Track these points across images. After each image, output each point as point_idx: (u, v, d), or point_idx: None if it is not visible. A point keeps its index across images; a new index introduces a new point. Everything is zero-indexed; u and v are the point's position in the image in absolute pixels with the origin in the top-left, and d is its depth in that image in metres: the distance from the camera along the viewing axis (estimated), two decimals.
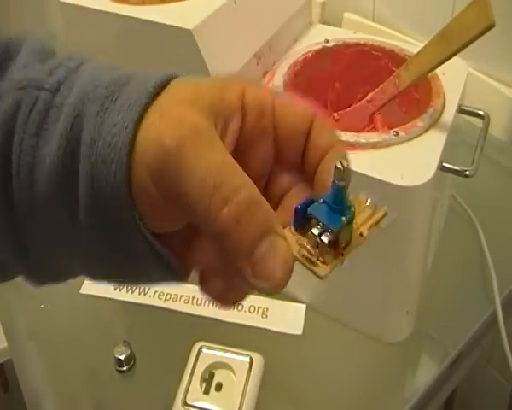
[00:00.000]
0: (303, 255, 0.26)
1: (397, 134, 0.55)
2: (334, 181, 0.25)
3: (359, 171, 0.53)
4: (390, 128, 0.58)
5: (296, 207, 0.26)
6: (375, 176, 0.52)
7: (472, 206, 0.76)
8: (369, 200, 0.28)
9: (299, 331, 0.65)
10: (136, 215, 0.25)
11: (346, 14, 1.03)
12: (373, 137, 0.55)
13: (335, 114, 0.68)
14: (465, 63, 0.64)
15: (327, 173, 0.27)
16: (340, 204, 0.26)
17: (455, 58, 0.55)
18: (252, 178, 0.25)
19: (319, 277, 0.27)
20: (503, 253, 0.72)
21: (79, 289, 0.70)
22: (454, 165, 0.55)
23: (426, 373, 0.63)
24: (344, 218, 0.26)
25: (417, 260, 0.59)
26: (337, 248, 0.26)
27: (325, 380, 0.62)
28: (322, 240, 0.26)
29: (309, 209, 0.26)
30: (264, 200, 0.25)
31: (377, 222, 0.27)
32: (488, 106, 0.64)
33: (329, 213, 0.26)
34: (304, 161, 0.29)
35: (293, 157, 0.29)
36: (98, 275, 0.30)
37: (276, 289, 0.25)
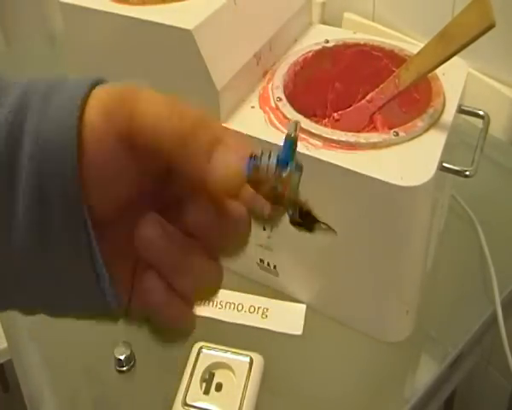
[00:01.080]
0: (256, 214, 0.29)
1: (397, 134, 0.55)
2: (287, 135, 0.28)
3: (359, 171, 0.53)
4: (390, 128, 0.58)
5: (248, 160, 0.28)
6: (375, 176, 0.52)
7: (472, 206, 0.76)
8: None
9: (299, 331, 0.65)
10: (79, 187, 0.25)
11: (346, 14, 1.03)
12: (373, 137, 0.55)
13: (335, 114, 0.68)
14: (465, 63, 0.64)
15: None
16: (289, 157, 0.28)
17: (455, 58, 0.55)
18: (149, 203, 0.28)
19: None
20: (503, 253, 0.72)
21: None
22: (454, 165, 0.55)
23: (426, 373, 0.63)
24: (291, 166, 0.28)
25: (417, 260, 0.59)
26: (282, 198, 0.29)
27: (325, 380, 0.62)
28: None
29: (256, 162, 0.28)
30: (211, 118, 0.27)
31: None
32: (488, 106, 0.64)
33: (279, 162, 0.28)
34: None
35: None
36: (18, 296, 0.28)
37: (229, 186, 0.26)
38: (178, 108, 0.26)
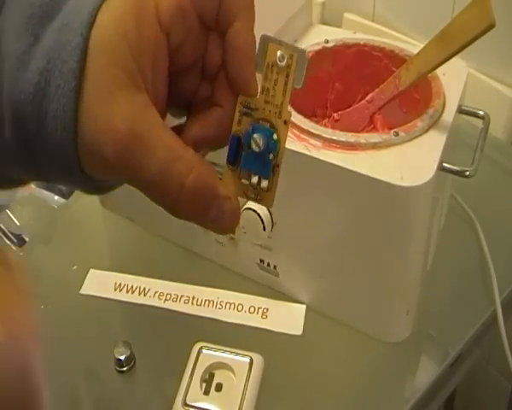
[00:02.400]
0: (247, 192, 0.30)
1: (397, 134, 0.55)
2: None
3: (359, 171, 0.53)
4: (390, 128, 0.58)
5: (229, 149, 0.29)
6: (375, 176, 0.52)
7: (472, 206, 0.76)
8: (278, 53, 0.29)
9: (299, 331, 0.65)
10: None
11: (346, 15, 1.03)
12: (373, 137, 0.55)
13: (335, 114, 0.68)
14: (465, 63, 0.64)
15: (233, 42, 0.29)
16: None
17: (455, 58, 0.55)
18: (193, 66, 0.29)
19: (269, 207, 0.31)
20: (503, 253, 0.72)
21: (79, 289, 0.70)
22: (454, 165, 0.55)
23: (426, 373, 0.63)
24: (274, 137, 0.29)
25: (417, 260, 0.59)
26: (274, 167, 0.29)
27: (325, 380, 0.62)
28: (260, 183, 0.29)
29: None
30: (205, 172, 0.28)
31: (295, 79, 0.29)
32: (488, 106, 0.64)
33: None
34: (217, 26, 0.30)
35: (210, 21, 0.30)
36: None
37: (229, 231, 0.30)
38: None
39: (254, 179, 0.29)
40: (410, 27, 0.95)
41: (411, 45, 0.66)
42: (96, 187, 0.30)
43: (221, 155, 0.30)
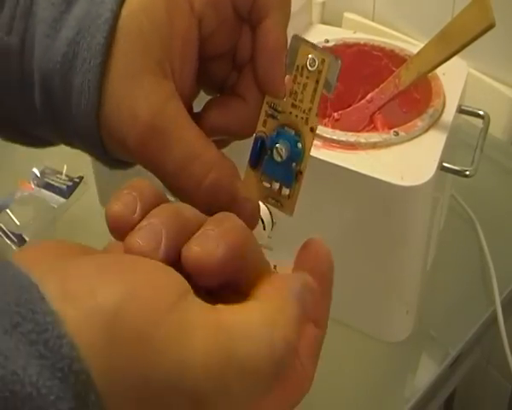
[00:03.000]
0: (267, 197, 0.29)
1: (397, 134, 0.55)
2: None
3: (359, 171, 0.53)
4: (390, 128, 0.58)
5: (251, 150, 0.28)
6: (375, 176, 0.52)
7: (472, 206, 0.76)
8: (309, 56, 0.27)
9: None
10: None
11: (346, 14, 1.03)
12: (373, 137, 0.55)
13: (335, 114, 0.68)
14: (465, 63, 0.64)
15: (263, 40, 0.28)
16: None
17: (455, 58, 0.55)
18: (225, 54, 0.29)
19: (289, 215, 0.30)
20: (503, 253, 0.72)
21: None
22: (454, 165, 0.55)
23: (426, 373, 0.63)
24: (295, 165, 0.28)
25: (417, 260, 0.59)
26: (297, 174, 0.28)
27: (325, 380, 0.62)
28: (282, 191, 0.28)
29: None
30: (225, 172, 0.27)
31: (325, 85, 0.27)
32: (488, 106, 0.64)
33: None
34: (249, 18, 0.29)
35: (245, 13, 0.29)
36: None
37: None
38: None
39: (275, 186, 0.28)
40: (410, 27, 0.95)
41: (411, 45, 0.66)
42: (119, 162, 0.30)
43: (245, 153, 0.29)
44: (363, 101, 0.65)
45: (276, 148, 0.27)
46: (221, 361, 0.19)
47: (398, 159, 0.54)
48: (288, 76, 0.28)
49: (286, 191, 0.28)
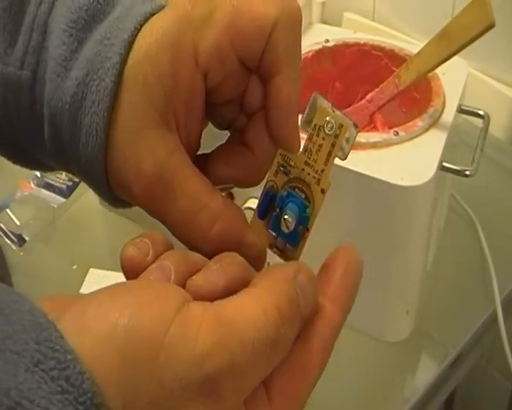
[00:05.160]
0: (273, 247, 0.29)
1: (397, 134, 0.55)
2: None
3: (359, 171, 0.52)
4: (390, 128, 0.58)
5: (259, 202, 0.28)
6: (375, 176, 0.52)
7: (472, 206, 0.76)
8: (327, 118, 0.26)
9: None
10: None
11: (346, 14, 1.03)
12: (373, 137, 0.55)
13: None
14: (465, 63, 0.64)
15: (274, 97, 0.27)
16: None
17: (455, 58, 0.55)
18: (232, 100, 0.29)
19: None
20: (503, 253, 0.72)
21: (79, 288, 0.70)
22: (454, 165, 0.55)
23: (426, 373, 0.63)
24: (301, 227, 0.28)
25: (417, 260, 0.59)
26: (303, 233, 0.28)
27: (325, 380, 0.62)
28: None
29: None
30: (231, 220, 0.27)
31: (340, 150, 0.27)
32: (488, 106, 0.64)
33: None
34: (258, 71, 0.28)
35: (252, 64, 0.28)
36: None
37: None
38: None
39: (281, 244, 0.28)
40: (410, 27, 0.95)
41: (411, 45, 0.66)
42: (124, 202, 0.30)
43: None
44: (363, 101, 0.65)
45: (285, 219, 0.27)
46: (223, 337, 0.21)
47: (398, 159, 0.54)
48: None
49: (291, 248, 0.28)
